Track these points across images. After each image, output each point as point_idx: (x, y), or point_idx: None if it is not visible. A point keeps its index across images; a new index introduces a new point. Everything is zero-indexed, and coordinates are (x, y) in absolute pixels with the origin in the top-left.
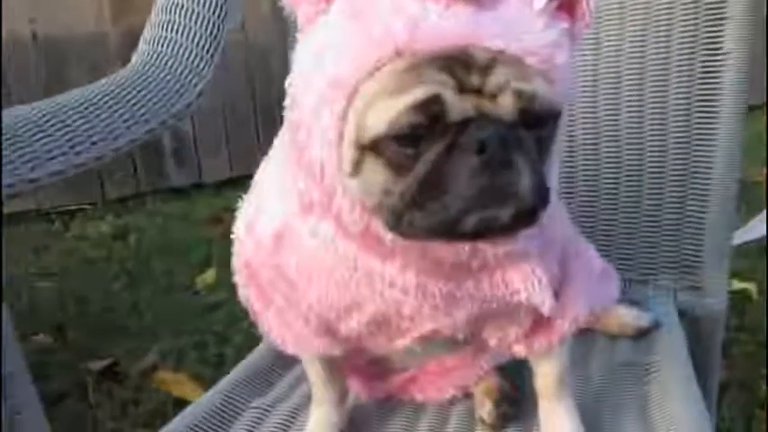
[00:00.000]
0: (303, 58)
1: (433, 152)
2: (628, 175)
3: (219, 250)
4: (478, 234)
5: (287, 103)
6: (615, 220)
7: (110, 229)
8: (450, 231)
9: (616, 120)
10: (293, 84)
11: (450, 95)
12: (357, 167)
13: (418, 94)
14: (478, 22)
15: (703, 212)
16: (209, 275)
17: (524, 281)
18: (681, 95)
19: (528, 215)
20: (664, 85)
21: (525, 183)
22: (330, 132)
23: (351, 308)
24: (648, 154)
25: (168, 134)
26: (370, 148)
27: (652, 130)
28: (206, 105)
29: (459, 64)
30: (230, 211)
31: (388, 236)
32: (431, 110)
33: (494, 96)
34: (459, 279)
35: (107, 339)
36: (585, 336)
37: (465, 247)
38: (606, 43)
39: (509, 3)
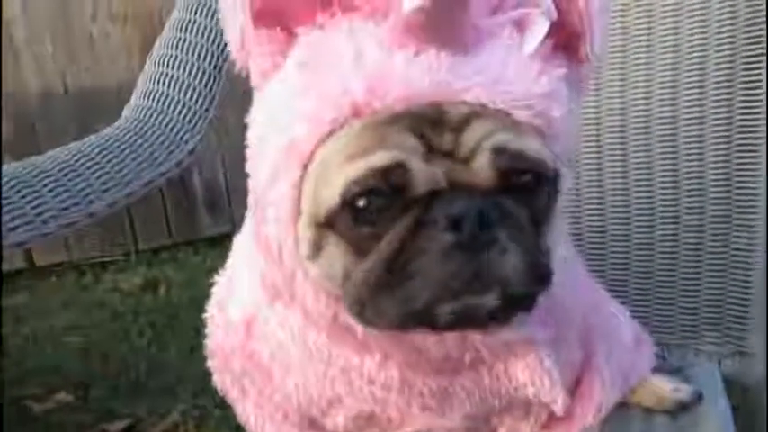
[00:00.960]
0: (258, 120)
1: (397, 230)
2: (662, 229)
3: None
4: (460, 324)
5: (248, 167)
6: (650, 278)
7: (141, 281)
8: (423, 322)
9: (649, 169)
10: (249, 148)
11: (416, 162)
12: (317, 249)
13: (376, 160)
14: (454, 72)
15: (748, 266)
16: None
17: (531, 374)
18: (719, 143)
19: (518, 300)
20: (699, 132)
21: (512, 263)
22: (285, 206)
23: (332, 402)
24: (685, 204)
25: (201, 184)
26: (327, 225)
27: (688, 178)
28: (238, 154)
29: (428, 123)
30: None
31: (359, 326)
32: (392, 180)
33: (467, 160)
34: (451, 374)
35: (129, 397)
36: (618, 411)
37: (451, 338)
38: (633, 86)
39: (494, 47)
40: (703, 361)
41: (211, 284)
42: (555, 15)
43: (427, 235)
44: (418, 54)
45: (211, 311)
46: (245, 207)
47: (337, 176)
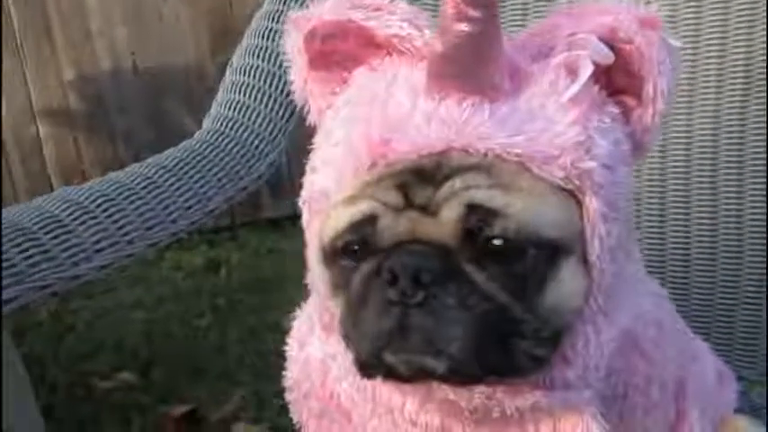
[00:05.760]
0: (310, 162)
1: (359, 276)
2: (750, 265)
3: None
4: (422, 378)
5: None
6: (734, 313)
7: (203, 261)
8: (376, 369)
9: (740, 199)
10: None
11: (386, 217)
12: (335, 288)
13: (354, 212)
14: (473, 122)
15: None
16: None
17: None
18: None
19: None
20: None
21: (452, 334)
22: (313, 247)
23: None
24: None
25: None
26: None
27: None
28: (302, 137)
29: (418, 176)
30: None
31: None
32: (362, 231)
33: (435, 213)
34: (493, 427)
35: (191, 380)
36: None
37: (478, 392)
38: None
39: (530, 94)
40: None
41: (272, 269)
42: (608, 58)
43: (377, 284)
44: (442, 102)
45: (292, 346)
46: None
47: (330, 221)
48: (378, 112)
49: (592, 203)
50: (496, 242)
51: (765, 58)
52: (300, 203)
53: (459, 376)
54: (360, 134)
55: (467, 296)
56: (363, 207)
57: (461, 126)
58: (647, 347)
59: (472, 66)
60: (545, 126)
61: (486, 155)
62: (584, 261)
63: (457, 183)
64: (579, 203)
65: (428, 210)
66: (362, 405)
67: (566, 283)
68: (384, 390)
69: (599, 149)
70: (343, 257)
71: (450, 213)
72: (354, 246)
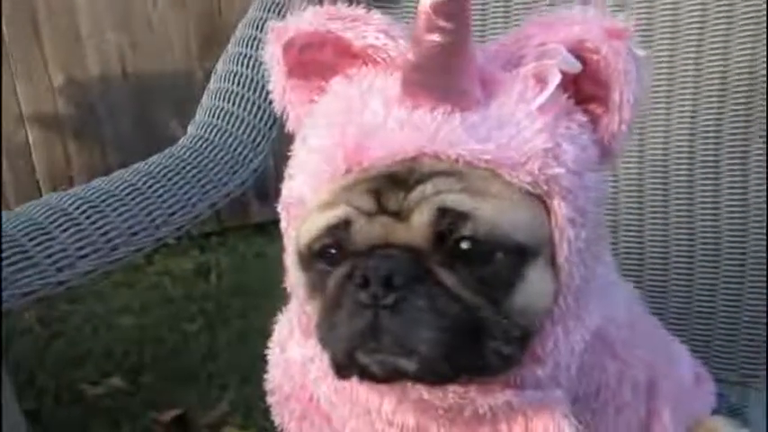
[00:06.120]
0: (288, 168)
1: (333, 279)
2: (727, 266)
3: None
4: (394, 379)
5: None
6: (713, 314)
7: (192, 266)
8: (351, 370)
9: (716, 205)
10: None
11: (361, 221)
12: (312, 290)
13: (330, 216)
14: (443, 130)
15: None
16: None
17: None
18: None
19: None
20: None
21: (423, 335)
22: (290, 252)
23: None
24: (753, 238)
25: None
26: (305, 267)
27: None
28: (288, 142)
29: (391, 181)
30: None
31: None
32: (337, 235)
33: (407, 218)
34: (467, 426)
35: (180, 385)
36: None
37: (451, 391)
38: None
39: (502, 103)
40: (764, 401)
41: (260, 273)
42: (575, 68)
43: (348, 288)
44: (415, 110)
45: (273, 350)
46: None
47: (306, 225)
48: (353, 120)
49: (560, 208)
50: (466, 244)
51: (741, 65)
52: (279, 209)
53: (431, 376)
54: (335, 141)
55: (437, 298)
56: (338, 212)
57: (433, 133)
58: (617, 348)
59: (444, 75)
60: (514, 133)
61: (456, 161)
62: (553, 264)
63: (428, 187)
64: (548, 208)
65: (400, 214)
66: (341, 407)
67: (534, 285)
68: (361, 391)
69: (566, 155)
70: (319, 261)
71: (421, 218)
72: (330, 250)
